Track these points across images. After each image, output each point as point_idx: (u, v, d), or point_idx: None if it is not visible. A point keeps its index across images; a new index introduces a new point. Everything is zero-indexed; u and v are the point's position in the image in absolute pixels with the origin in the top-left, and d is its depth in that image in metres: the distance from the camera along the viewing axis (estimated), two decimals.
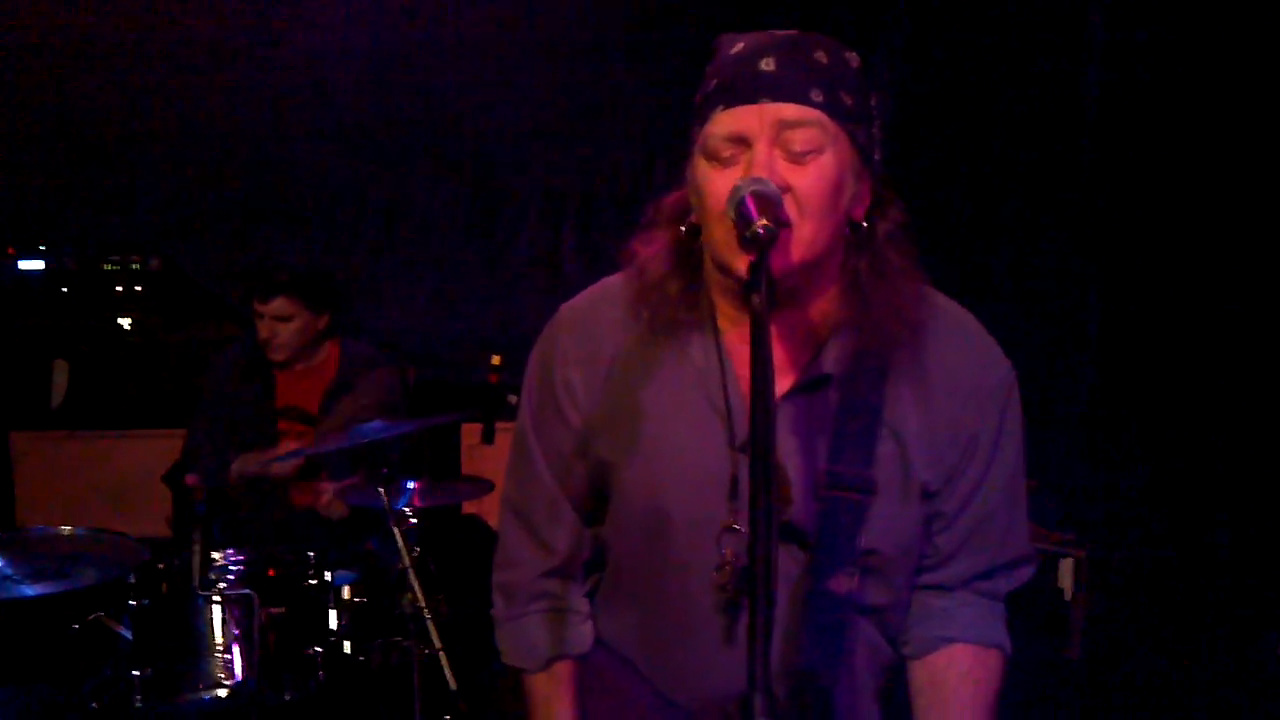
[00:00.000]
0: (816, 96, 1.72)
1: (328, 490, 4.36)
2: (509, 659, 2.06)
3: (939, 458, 1.86)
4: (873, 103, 1.81)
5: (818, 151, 1.72)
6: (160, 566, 3.60)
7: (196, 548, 3.50)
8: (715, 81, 1.77)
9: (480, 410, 5.12)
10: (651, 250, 1.90)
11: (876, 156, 1.82)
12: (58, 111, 5.68)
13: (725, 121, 1.74)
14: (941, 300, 1.93)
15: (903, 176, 1.95)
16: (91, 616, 3.63)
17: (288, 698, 3.53)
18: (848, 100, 1.75)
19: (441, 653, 3.71)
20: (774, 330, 1.83)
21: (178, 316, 5.96)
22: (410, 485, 4.11)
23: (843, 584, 1.83)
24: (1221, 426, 4.78)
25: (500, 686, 2.21)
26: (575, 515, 2.00)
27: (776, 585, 1.79)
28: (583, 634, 2.03)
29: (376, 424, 3.93)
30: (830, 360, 1.85)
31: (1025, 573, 1.98)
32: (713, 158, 1.75)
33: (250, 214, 5.75)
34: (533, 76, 5.82)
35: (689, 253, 1.87)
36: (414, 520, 3.96)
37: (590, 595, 2.07)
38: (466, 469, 5.62)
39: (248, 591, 3.45)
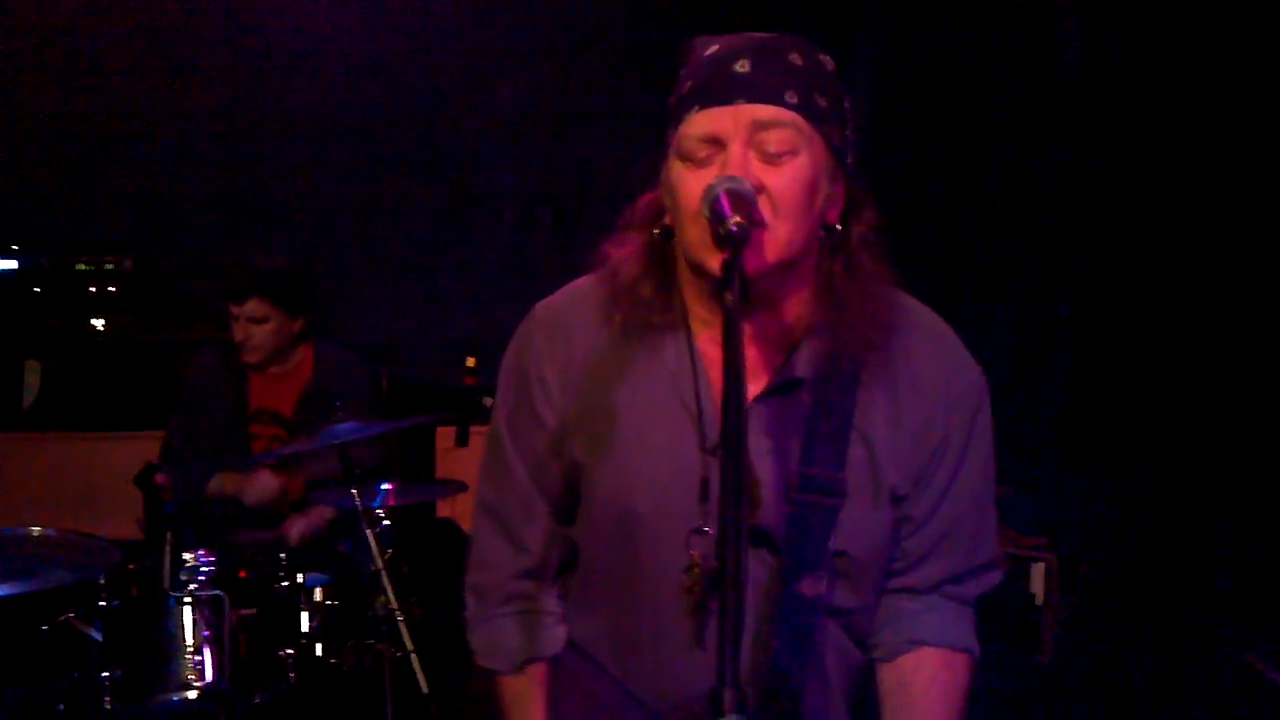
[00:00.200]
0: (791, 98, 1.73)
1: (298, 527, 4.34)
2: (482, 660, 2.05)
3: (909, 461, 1.87)
4: (846, 105, 1.82)
5: (792, 153, 1.73)
6: (131, 568, 3.57)
7: (167, 548, 3.48)
8: (690, 83, 1.78)
9: (455, 413, 5.11)
10: (624, 252, 1.91)
11: (850, 159, 1.83)
12: (31, 112, 5.65)
13: (700, 123, 1.74)
14: (913, 304, 1.94)
15: (878, 180, 1.96)
16: (61, 618, 3.60)
17: (258, 700, 3.50)
18: (822, 102, 1.76)
19: (414, 655, 3.70)
20: (747, 333, 1.83)
21: (151, 317, 5.92)
22: (384, 487, 4.09)
23: (812, 587, 1.83)
24: (1193, 432, 4.81)
25: (471, 689, 2.20)
26: (550, 516, 2.00)
27: (745, 587, 1.82)
28: (556, 636, 2.03)
29: (350, 425, 3.91)
30: (802, 363, 1.85)
31: (994, 577, 1.99)
32: (687, 159, 1.76)
33: (225, 215, 5.73)
34: (508, 78, 5.82)
35: (662, 255, 1.88)
36: (387, 522, 3.94)
37: (561, 597, 2.06)
38: (441, 472, 5.60)
39: (218, 593, 3.43)
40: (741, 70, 1.73)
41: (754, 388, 1.85)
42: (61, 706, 3.44)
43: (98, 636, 3.47)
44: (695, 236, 1.73)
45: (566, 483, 1.96)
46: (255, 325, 4.42)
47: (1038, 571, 4.48)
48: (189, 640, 3.42)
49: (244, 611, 3.52)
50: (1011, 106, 5.32)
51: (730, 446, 1.47)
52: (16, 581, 3.51)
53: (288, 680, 3.56)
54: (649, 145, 1.88)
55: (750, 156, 1.72)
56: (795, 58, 1.76)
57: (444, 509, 5.47)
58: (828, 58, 1.80)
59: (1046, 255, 5.30)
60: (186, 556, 3.49)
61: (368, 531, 3.77)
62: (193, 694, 3.39)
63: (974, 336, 1.99)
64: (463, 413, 5.10)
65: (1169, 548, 4.71)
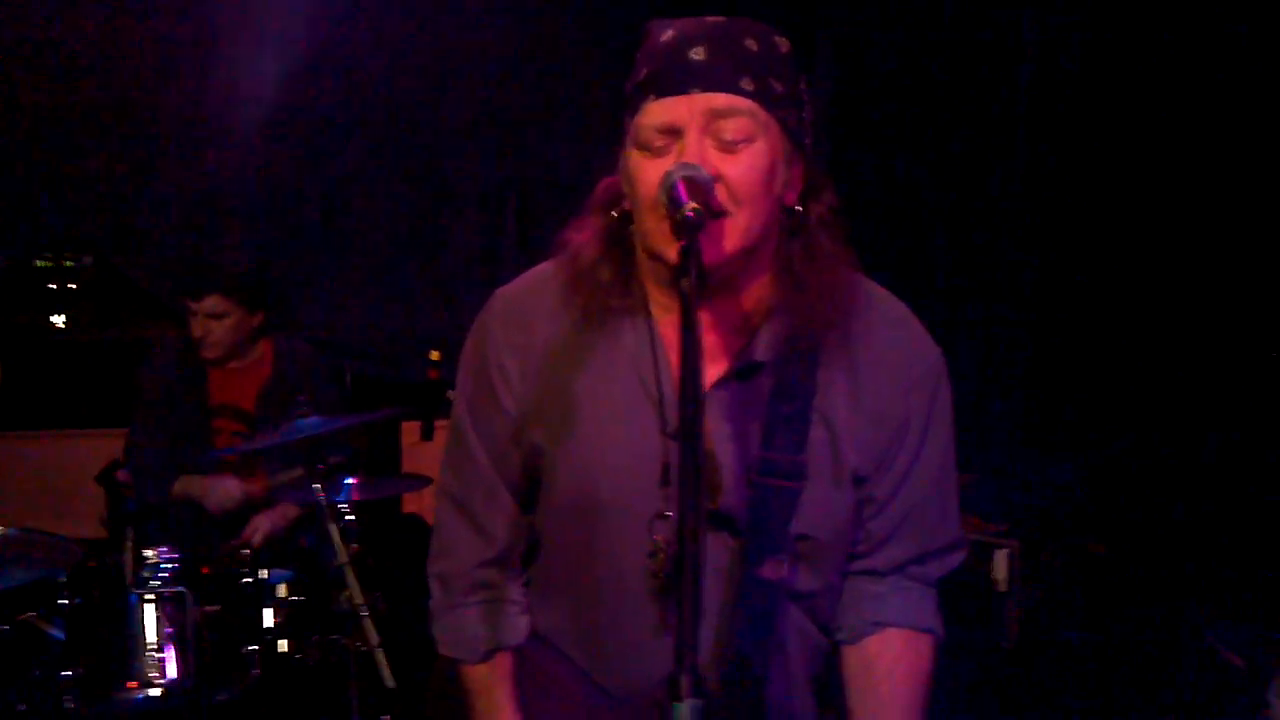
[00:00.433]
0: (747, 85, 1.73)
1: (261, 528, 4.31)
2: (446, 650, 2.04)
3: (869, 444, 1.88)
4: (803, 87, 1.82)
5: (749, 140, 1.73)
6: (92, 565, 3.55)
7: (129, 545, 3.46)
8: (646, 70, 1.77)
9: (419, 407, 5.09)
10: (583, 237, 1.90)
11: (808, 141, 1.83)
12: None
13: (656, 112, 1.74)
14: (872, 287, 1.95)
15: (838, 168, 1.96)
16: (21, 617, 3.56)
17: (222, 697, 3.49)
18: (778, 87, 1.76)
19: (379, 650, 3.68)
20: (707, 318, 1.84)
21: (111, 314, 5.88)
22: (348, 481, 4.08)
23: (774, 570, 1.84)
24: (1154, 418, 4.84)
25: (434, 679, 2.19)
26: (513, 503, 1.99)
27: (706, 571, 1.83)
28: (520, 625, 2.02)
29: (313, 420, 3.90)
30: (763, 347, 1.86)
31: (956, 558, 2.00)
32: (645, 148, 1.76)
33: (185, 210, 5.67)
34: (474, 72, 5.79)
35: (621, 239, 1.88)
36: (350, 517, 3.93)
37: (525, 586, 2.05)
38: (407, 466, 5.58)
39: (181, 589, 3.41)
40: (696, 58, 1.73)
41: (714, 372, 1.85)
42: (23, 706, 3.41)
43: (59, 635, 3.44)
44: (653, 225, 1.73)
45: (528, 470, 1.96)
46: (214, 321, 4.40)
47: (1000, 558, 4.50)
48: (151, 637, 3.40)
49: (207, 608, 3.52)
50: (972, 99, 5.34)
51: (687, 432, 1.47)
52: None
53: (252, 676, 3.54)
54: (615, 141, 1.87)
55: (707, 145, 1.72)
56: (750, 43, 1.75)
57: (410, 504, 5.46)
58: (783, 40, 1.80)
59: (1007, 244, 5.32)
60: (148, 553, 3.48)
61: (331, 526, 3.75)
62: (156, 691, 3.38)
63: (936, 325, 2.00)
64: (427, 406, 5.08)
65: (1130, 533, 4.74)
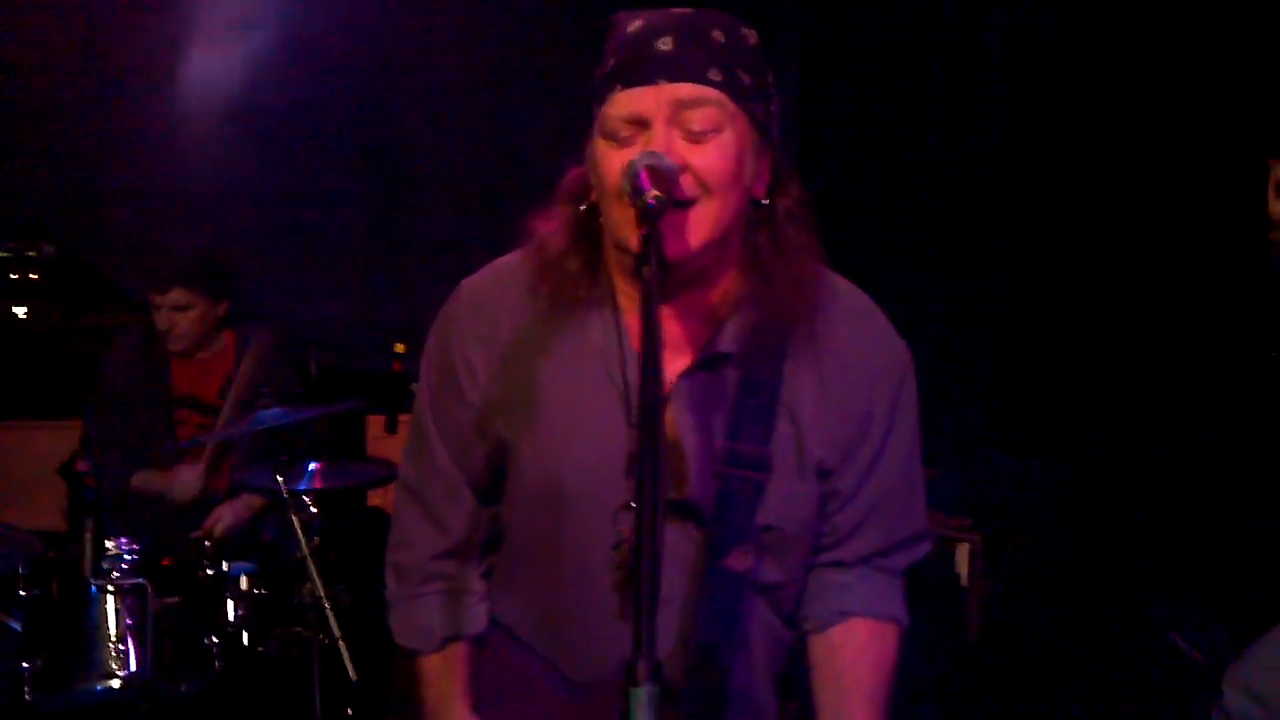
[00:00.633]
0: (714, 76, 1.73)
1: (224, 520, 4.29)
2: (402, 640, 2.04)
3: (834, 437, 1.88)
4: (771, 79, 1.82)
5: (716, 130, 1.73)
6: (52, 556, 3.52)
7: (88, 535, 3.43)
8: (613, 61, 1.77)
9: (383, 400, 5.07)
10: (550, 227, 1.90)
11: (775, 133, 1.83)
12: None
13: (623, 102, 1.74)
14: (839, 281, 1.95)
15: (805, 162, 1.96)
16: None
17: (184, 689, 3.47)
18: (745, 78, 1.76)
19: (342, 642, 3.67)
20: (674, 309, 1.85)
21: (74, 304, 5.84)
22: (311, 467, 4.06)
23: (739, 562, 1.84)
24: (1117, 413, 4.87)
25: (396, 673, 2.18)
26: (472, 495, 1.98)
27: (671, 562, 1.82)
28: (477, 615, 2.02)
29: (276, 410, 3.88)
30: (729, 338, 1.86)
31: (922, 549, 2.01)
32: (611, 138, 1.76)
33: (148, 200, 5.64)
34: (440, 61, 5.77)
35: (588, 230, 1.87)
36: (313, 509, 3.92)
37: (485, 575, 2.05)
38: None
39: (141, 581, 3.39)
40: (664, 48, 1.72)
41: (681, 363, 1.86)
42: None
43: (17, 627, 3.41)
44: (618, 214, 1.73)
45: (492, 461, 1.95)
46: (179, 313, 4.39)
47: (962, 552, 4.53)
48: (112, 629, 3.38)
49: (168, 600, 3.49)
50: (939, 97, 5.36)
51: (646, 418, 1.47)
52: None
53: (214, 669, 3.52)
54: (584, 132, 1.86)
55: (674, 135, 1.72)
56: (718, 34, 1.75)
57: (375, 497, 5.43)
58: (751, 31, 1.80)
59: (974, 240, 5.35)
60: (108, 545, 3.45)
61: (293, 518, 3.74)
62: (116, 683, 3.36)
63: (902, 320, 2.00)
64: (391, 399, 5.06)
65: (1094, 527, 4.77)
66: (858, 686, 1.91)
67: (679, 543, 1.84)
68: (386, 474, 4.31)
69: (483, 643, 2.02)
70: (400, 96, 5.79)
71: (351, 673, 3.66)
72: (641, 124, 1.73)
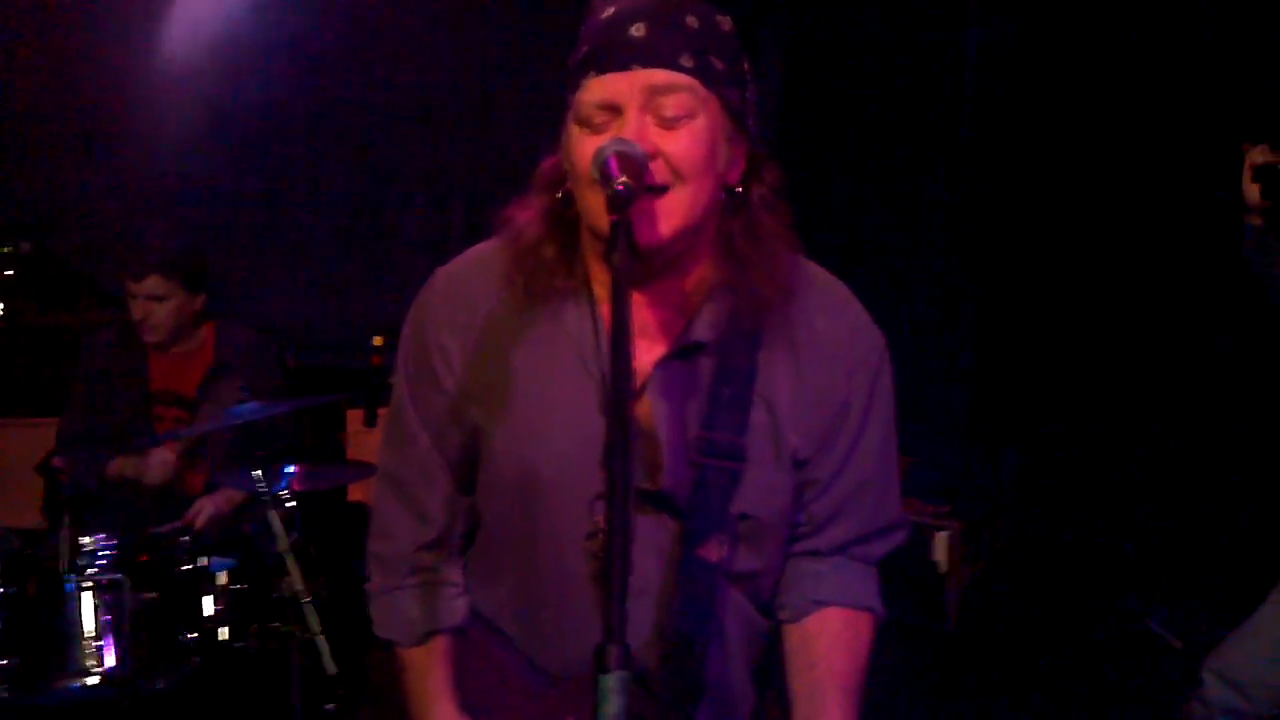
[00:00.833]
0: (687, 62, 1.72)
1: (205, 511, 4.26)
2: (382, 632, 2.03)
3: (810, 426, 1.88)
4: (746, 66, 1.82)
5: (689, 116, 1.73)
6: (28, 553, 3.50)
7: (64, 532, 3.41)
8: (587, 47, 1.77)
9: (361, 393, 5.05)
10: (526, 216, 1.89)
11: (751, 120, 1.83)
12: None
13: (596, 89, 1.74)
14: (814, 269, 1.95)
15: (787, 158, 1.95)
16: None
17: (161, 685, 3.45)
18: (719, 65, 1.75)
19: (320, 637, 3.65)
20: (649, 297, 1.85)
21: (50, 301, 5.80)
22: (290, 469, 4.04)
23: (714, 551, 1.84)
24: (1095, 403, 4.89)
25: (372, 662, 2.17)
26: (452, 485, 1.98)
27: (646, 551, 1.82)
28: (457, 607, 2.01)
29: (252, 405, 3.86)
30: (704, 327, 1.85)
31: (898, 537, 2.01)
32: (584, 124, 1.75)
33: (125, 195, 5.61)
34: (418, 57, 5.76)
35: (564, 218, 1.86)
36: (292, 504, 3.90)
37: (464, 567, 2.04)
38: (352, 454, 5.54)
39: (118, 576, 3.37)
40: (637, 34, 1.72)
41: (656, 352, 1.85)
42: None
43: None
44: (591, 200, 1.73)
45: (468, 450, 1.94)
46: (155, 303, 4.35)
47: (941, 540, 4.53)
48: (89, 626, 3.36)
49: (145, 595, 3.47)
50: (918, 90, 5.37)
51: (615, 404, 1.47)
52: None
53: (191, 664, 3.50)
54: (562, 126, 1.86)
55: (647, 122, 1.72)
56: (691, 20, 1.75)
57: (356, 492, 5.41)
58: (726, 18, 1.79)
59: (953, 234, 5.36)
60: (85, 540, 3.43)
61: (271, 513, 3.72)
62: (93, 680, 3.34)
63: (881, 311, 2.00)
64: (370, 392, 5.04)
65: (1071, 515, 4.79)
66: (832, 675, 1.90)
67: (654, 532, 1.84)
68: (366, 475, 4.30)
69: (462, 632, 2.01)
70: (378, 92, 5.77)
71: (330, 667, 3.64)
72: (614, 110, 1.72)
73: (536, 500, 1.87)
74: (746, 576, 1.91)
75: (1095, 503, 4.82)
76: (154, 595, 3.49)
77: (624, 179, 1.61)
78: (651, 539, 1.84)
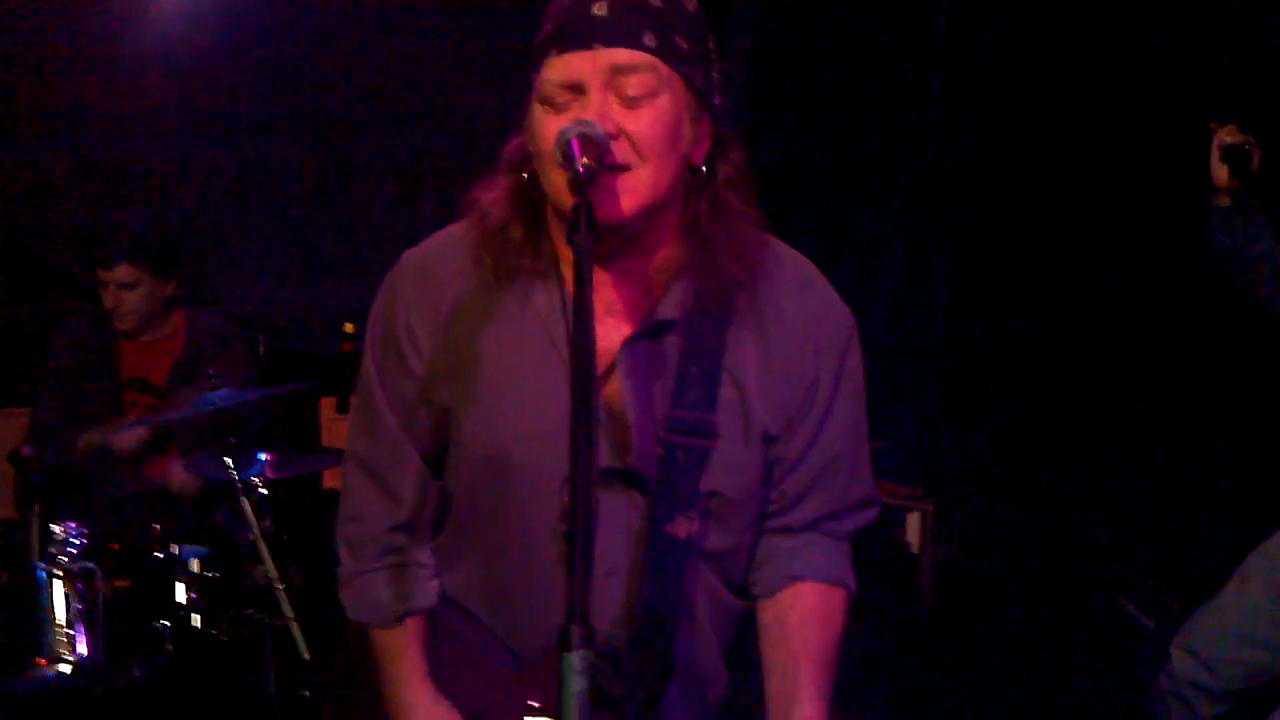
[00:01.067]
0: (649, 41, 1.72)
1: (179, 471, 4.25)
2: (354, 615, 2.03)
3: (780, 403, 1.88)
4: (711, 45, 1.82)
5: (651, 96, 1.73)
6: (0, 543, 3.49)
7: (35, 520, 3.40)
8: (550, 26, 1.77)
9: (333, 380, 5.04)
10: (492, 196, 1.88)
11: (716, 99, 1.83)
12: None
13: (559, 68, 1.74)
14: (781, 248, 1.95)
15: (754, 134, 1.96)
16: None
17: (135, 673, 3.45)
18: (682, 44, 1.75)
19: (294, 623, 3.65)
20: (615, 277, 1.85)
21: (20, 290, 5.77)
22: (262, 457, 4.04)
23: (683, 528, 1.84)
24: (1066, 384, 4.92)
25: (342, 644, 2.17)
26: (422, 467, 1.97)
27: (616, 530, 1.83)
28: (429, 590, 2.01)
29: (223, 392, 3.85)
30: (671, 306, 1.85)
31: (870, 513, 2.02)
32: (548, 103, 1.75)
33: (95, 184, 5.58)
34: (388, 39, 5.74)
35: (530, 198, 1.86)
36: (263, 491, 3.89)
37: (434, 550, 2.04)
38: (325, 442, 5.54)
39: (90, 565, 3.36)
40: (599, 13, 1.72)
41: (624, 331, 1.85)
42: None
43: None
44: (555, 179, 1.73)
45: (437, 432, 1.94)
46: (125, 291, 4.33)
47: (913, 521, 4.56)
48: (60, 614, 3.35)
49: (117, 583, 3.47)
50: (888, 69, 5.38)
51: (578, 389, 1.47)
52: None
53: (165, 652, 3.50)
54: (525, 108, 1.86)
55: (610, 101, 1.72)
56: None
57: (330, 480, 5.41)
58: None
59: (923, 214, 5.38)
60: (55, 529, 3.42)
61: (243, 500, 3.72)
62: (66, 668, 3.33)
63: (853, 294, 2.01)
64: (342, 379, 5.03)
65: (1042, 496, 4.82)
66: (806, 650, 1.91)
67: (623, 511, 1.84)
68: (339, 462, 4.28)
69: (432, 613, 2.01)
70: (348, 77, 5.75)
71: (305, 653, 3.64)
72: (577, 89, 1.73)
73: (506, 481, 1.87)
74: (716, 555, 1.91)
75: (1067, 483, 4.85)
76: (126, 583, 3.48)
77: (585, 160, 1.62)
78: (621, 517, 1.84)
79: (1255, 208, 3.57)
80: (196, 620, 3.64)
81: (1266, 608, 3.54)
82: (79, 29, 5.47)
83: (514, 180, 1.87)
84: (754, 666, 1.98)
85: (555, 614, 1.81)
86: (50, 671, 3.32)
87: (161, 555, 3.61)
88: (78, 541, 3.42)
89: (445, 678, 1.97)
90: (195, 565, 3.68)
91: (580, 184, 1.62)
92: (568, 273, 1.86)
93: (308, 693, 3.67)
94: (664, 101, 1.73)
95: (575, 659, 1.35)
